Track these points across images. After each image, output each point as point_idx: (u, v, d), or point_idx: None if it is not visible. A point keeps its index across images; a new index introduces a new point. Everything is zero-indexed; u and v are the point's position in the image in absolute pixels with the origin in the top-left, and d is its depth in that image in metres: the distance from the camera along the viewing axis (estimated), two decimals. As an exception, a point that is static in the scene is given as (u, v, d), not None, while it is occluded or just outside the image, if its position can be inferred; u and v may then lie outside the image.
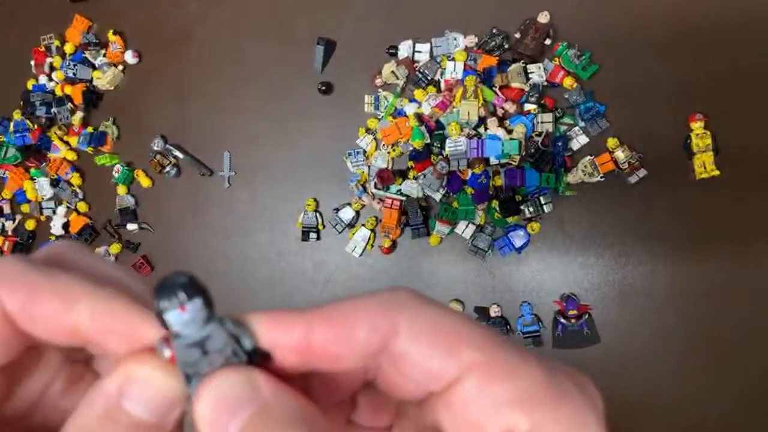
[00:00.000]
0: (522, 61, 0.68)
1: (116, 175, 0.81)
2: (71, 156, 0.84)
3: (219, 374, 0.17)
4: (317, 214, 0.74)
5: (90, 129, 0.83)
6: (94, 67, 0.83)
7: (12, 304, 0.17)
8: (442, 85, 0.70)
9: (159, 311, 0.16)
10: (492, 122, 0.67)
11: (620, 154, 0.65)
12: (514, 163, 0.67)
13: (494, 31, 0.69)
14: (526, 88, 0.68)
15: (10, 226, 0.86)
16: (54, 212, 0.84)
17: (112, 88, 0.83)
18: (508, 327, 0.69)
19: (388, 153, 0.72)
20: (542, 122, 0.66)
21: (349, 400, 0.22)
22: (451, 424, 0.18)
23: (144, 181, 0.81)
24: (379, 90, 0.73)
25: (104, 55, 0.83)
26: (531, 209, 0.67)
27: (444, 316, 0.18)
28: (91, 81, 0.83)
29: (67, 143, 0.84)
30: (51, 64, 0.85)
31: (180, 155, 0.79)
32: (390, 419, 0.22)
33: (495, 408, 0.16)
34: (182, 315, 0.16)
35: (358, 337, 0.17)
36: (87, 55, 0.83)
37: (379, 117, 0.73)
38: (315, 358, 0.18)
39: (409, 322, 0.17)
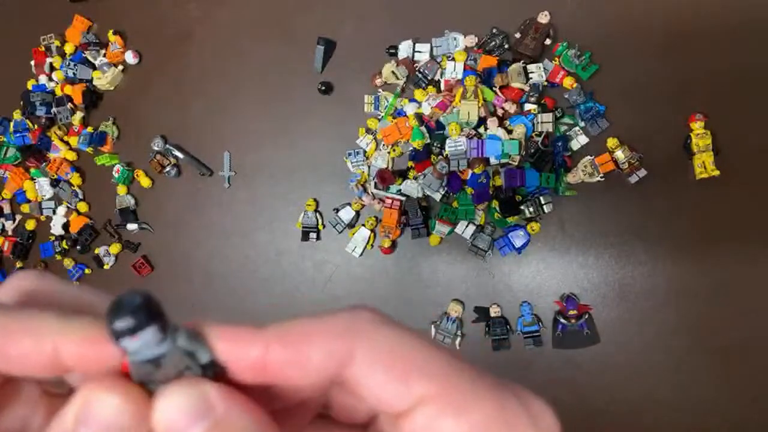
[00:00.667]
0: (522, 61, 0.68)
1: (116, 175, 0.81)
2: (71, 156, 0.84)
3: (172, 389, 0.17)
4: (317, 214, 0.74)
5: (90, 129, 0.83)
6: (94, 67, 0.83)
7: None
8: (442, 85, 0.70)
9: (110, 334, 0.16)
10: (492, 122, 0.67)
11: (620, 154, 0.65)
12: (514, 163, 0.67)
13: (494, 31, 0.69)
14: (526, 88, 0.68)
15: (10, 226, 0.86)
16: (54, 212, 0.84)
17: (112, 88, 0.83)
18: (508, 327, 0.69)
19: (388, 153, 0.72)
20: (542, 122, 0.66)
21: (312, 409, 0.22)
22: None
23: (144, 181, 0.81)
24: (379, 90, 0.73)
25: (104, 55, 0.83)
26: (531, 209, 0.67)
27: (402, 343, 0.17)
28: (91, 81, 0.83)
29: (67, 143, 0.84)
30: (51, 64, 0.85)
31: (180, 155, 0.79)
32: (364, 419, 0.22)
33: None
34: (134, 342, 0.16)
35: (313, 361, 0.17)
36: (87, 55, 0.83)
37: (379, 117, 0.73)
38: (271, 377, 0.17)
39: (365, 348, 0.17)
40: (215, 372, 0.17)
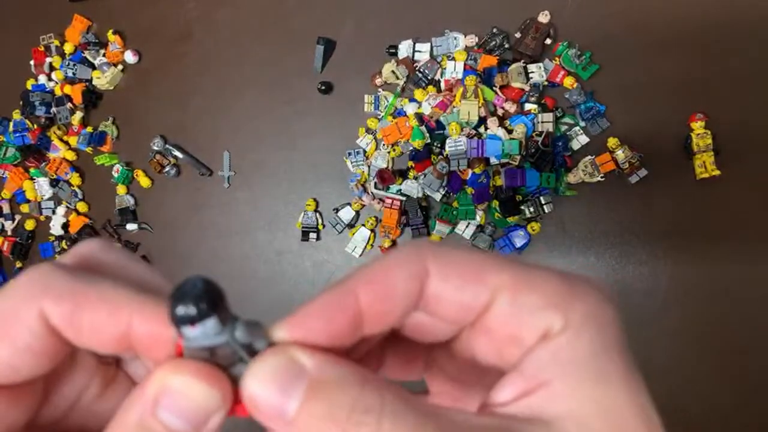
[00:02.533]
0: (522, 60, 0.68)
1: (116, 175, 0.81)
2: (71, 156, 0.84)
3: (255, 364, 0.17)
4: (317, 214, 0.74)
5: (89, 129, 0.83)
6: (93, 67, 0.83)
7: (57, 316, 0.17)
8: (443, 85, 0.70)
9: (172, 318, 0.16)
10: (492, 122, 0.67)
11: (620, 154, 0.65)
12: (514, 163, 0.67)
13: (494, 30, 0.69)
14: (527, 88, 0.68)
15: (9, 226, 0.86)
16: (53, 212, 0.84)
17: (112, 87, 0.83)
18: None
19: (388, 153, 0.72)
20: (542, 122, 0.66)
21: (375, 360, 0.23)
22: (488, 348, 0.19)
23: (143, 181, 0.81)
24: (379, 90, 0.73)
25: (104, 55, 0.83)
26: (531, 209, 0.67)
27: (467, 252, 0.19)
28: (90, 81, 0.83)
29: (66, 143, 0.84)
30: (50, 63, 0.85)
31: (179, 155, 0.79)
32: (420, 371, 0.24)
33: (529, 315, 0.18)
34: (192, 330, 0.16)
35: (399, 288, 0.18)
36: (86, 54, 0.83)
37: (379, 117, 0.73)
38: (365, 322, 0.18)
39: (437, 262, 0.18)
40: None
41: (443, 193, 0.70)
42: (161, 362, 0.17)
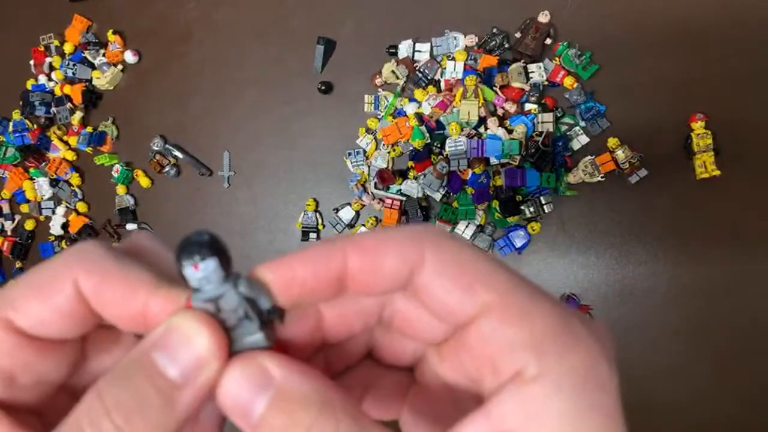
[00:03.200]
0: (522, 60, 0.68)
1: (115, 175, 0.81)
2: (70, 156, 0.84)
3: (231, 366, 0.17)
4: (317, 214, 0.74)
5: (89, 129, 0.83)
6: (93, 67, 0.83)
7: (87, 288, 0.18)
8: (443, 85, 0.70)
9: (178, 267, 0.17)
10: (492, 122, 0.67)
11: (621, 154, 0.65)
12: (514, 163, 0.67)
13: (494, 30, 0.69)
14: (527, 88, 0.68)
15: (9, 226, 0.86)
16: (53, 212, 0.84)
17: (112, 87, 0.83)
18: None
19: (388, 153, 0.72)
20: (543, 122, 0.66)
21: (361, 346, 0.23)
22: (469, 361, 0.19)
23: (143, 181, 0.81)
24: (379, 90, 0.73)
25: (104, 55, 0.83)
26: (531, 209, 0.67)
27: (467, 254, 0.18)
28: (90, 81, 0.83)
29: (66, 143, 0.84)
30: (50, 63, 0.85)
31: (179, 155, 0.79)
32: (409, 362, 0.23)
33: (508, 348, 0.17)
34: (196, 272, 0.17)
35: (388, 266, 0.18)
36: (86, 54, 0.83)
37: (379, 117, 0.73)
38: (349, 287, 0.18)
39: (434, 255, 0.18)
40: (276, 317, 0.18)
41: (443, 193, 0.70)
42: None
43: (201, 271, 0.17)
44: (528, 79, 0.68)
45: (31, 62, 0.86)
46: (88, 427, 0.16)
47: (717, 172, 0.63)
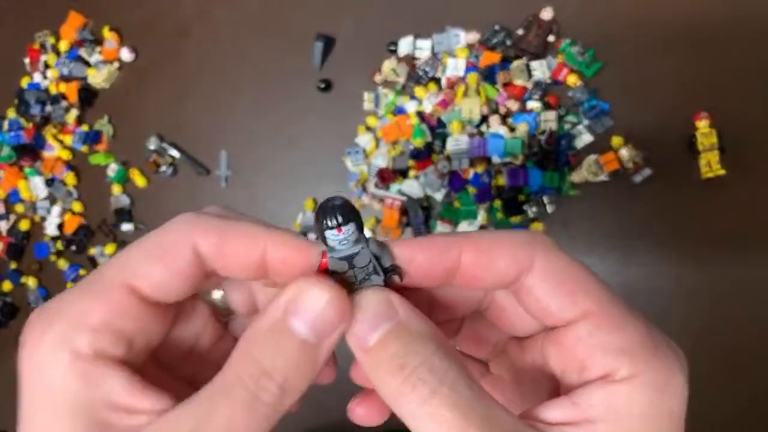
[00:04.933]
0: (525, 58, 0.67)
1: (111, 174, 0.80)
2: (66, 155, 0.83)
3: (363, 294, 0.20)
4: (316, 214, 0.73)
5: (85, 127, 0.82)
6: (89, 65, 0.82)
7: (206, 246, 0.21)
8: (444, 83, 0.69)
9: (321, 229, 0.20)
10: (494, 120, 0.66)
11: (625, 153, 0.64)
12: (516, 162, 0.66)
13: (497, 27, 0.68)
14: (529, 86, 0.67)
15: (4, 226, 0.85)
16: (48, 212, 0.83)
17: (108, 85, 0.82)
18: (511, 329, 0.68)
19: (389, 152, 0.71)
20: (545, 120, 0.65)
21: (454, 328, 0.26)
22: (556, 358, 0.21)
23: (139, 181, 0.80)
24: (379, 87, 0.72)
25: (99, 53, 0.82)
26: (534, 209, 0.66)
27: (572, 264, 0.21)
28: (86, 79, 0.82)
29: (61, 142, 0.83)
30: (45, 61, 0.84)
31: (176, 154, 0.78)
32: (487, 353, 0.26)
33: (601, 352, 0.19)
34: (338, 235, 0.20)
35: (500, 266, 0.20)
36: (82, 52, 0.82)
37: (379, 115, 0.72)
38: (461, 279, 0.21)
39: (543, 262, 0.20)
40: (395, 274, 0.21)
41: (444, 192, 0.69)
42: (296, 278, 0.20)
43: (343, 233, 0.20)
44: (530, 76, 0.67)
45: (26, 60, 0.85)
46: (253, 386, 0.18)
47: (722, 172, 0.62)
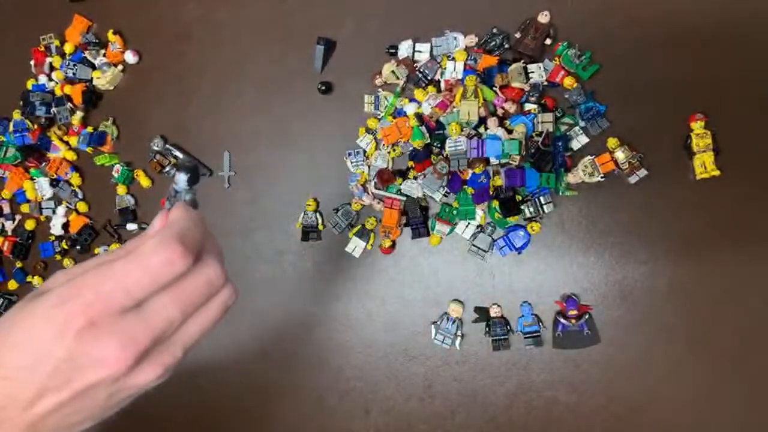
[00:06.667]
0: (522, 60, 0.68)
1: (116, 175, 0.81)
2: (71, 156, 0.84)
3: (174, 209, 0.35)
4: (317, 214, 0.74)
5: (90, 129, 0.83)
6: (93, 67, 0.83)
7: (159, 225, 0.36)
8: (442, 85, 0.70)
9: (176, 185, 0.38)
10: (492, 122, 0.67)
11: (620, 154, 0.65)
12: (514, 163, 0.67)
13: (494, 30, 0.69)
14: (527, 88, 0.68)
15: (9, 226, 0.86)
16: (54, 212, 0.84)
17: (112, 87, 0.83)
18: (509, 327, 0.69)
19: (388, 153, 0.72)
20: (542, 122, 0.66)
21: None
22: None
23: (144, 181, 0.81)
24: (379, 90, 0.73)
25: (104, 55, 0.83)
26: (531, 209, 0.67)
27: None
28: (90, 81, 0.83)
29: (66, 143, 0.84)
30: (50, 63, 0.85)
31: (180, 155, 0.79)
32: None
33: None
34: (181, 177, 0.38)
35: None
36: (86, 54, 0.83)
37: (379, 117, 0.73)
38: None
39: None
40: (192, 204, 0.37)
41: (443, 193, 0.70)
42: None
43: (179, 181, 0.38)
44: (528, 79, 0.68)
45: (32, 62, 0.86)
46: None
47: (717, 172, 0.63)
